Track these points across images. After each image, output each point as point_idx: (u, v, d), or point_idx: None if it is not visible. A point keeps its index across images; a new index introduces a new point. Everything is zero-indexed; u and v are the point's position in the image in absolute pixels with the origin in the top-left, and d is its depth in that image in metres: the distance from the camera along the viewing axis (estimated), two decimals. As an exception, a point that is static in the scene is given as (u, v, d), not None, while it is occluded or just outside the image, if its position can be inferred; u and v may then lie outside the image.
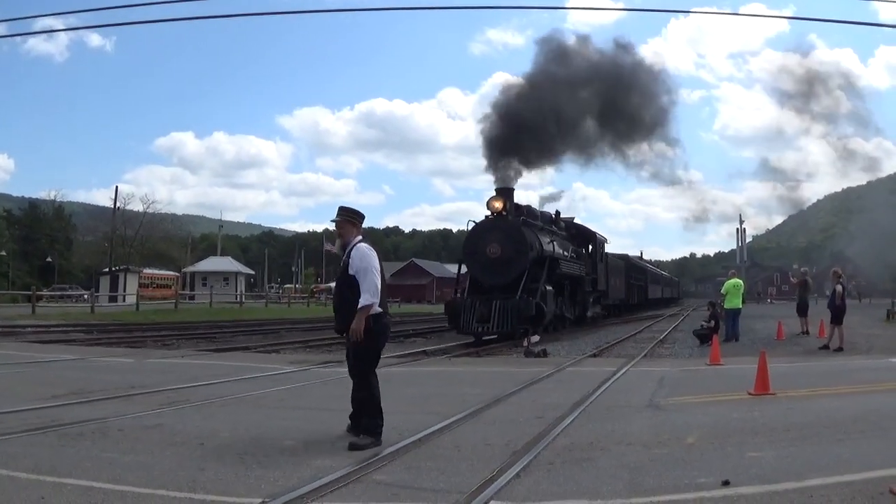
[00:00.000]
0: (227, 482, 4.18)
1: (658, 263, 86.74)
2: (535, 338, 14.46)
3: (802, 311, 17.92)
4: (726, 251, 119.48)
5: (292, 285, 73.90)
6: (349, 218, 5.50)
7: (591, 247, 25.60)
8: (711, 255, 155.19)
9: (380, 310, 5.23)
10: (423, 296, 75.85)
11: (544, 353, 13.15)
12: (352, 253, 5.27)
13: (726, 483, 4.04)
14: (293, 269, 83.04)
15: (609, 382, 8.73)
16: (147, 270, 51.24)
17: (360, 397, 5.25)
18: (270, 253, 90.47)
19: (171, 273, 55.85)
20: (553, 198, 28.85)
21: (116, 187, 71.19)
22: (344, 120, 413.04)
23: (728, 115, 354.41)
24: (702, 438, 5.36)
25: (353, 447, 4.97)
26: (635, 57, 25.00)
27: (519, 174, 21.09)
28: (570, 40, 23.91)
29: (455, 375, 10.13)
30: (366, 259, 5.21)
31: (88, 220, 67.77)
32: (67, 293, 46.60)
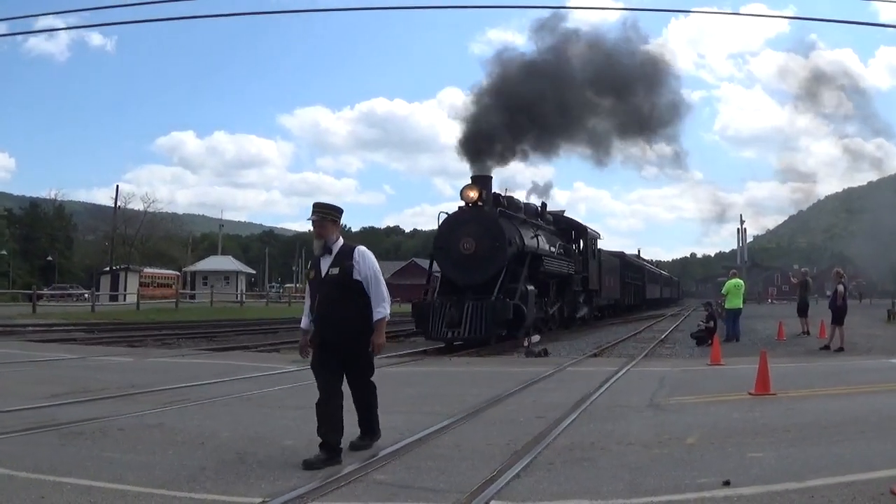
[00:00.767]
0: (227, 481, 4.18)
1: (658, 263, 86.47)
2: (536, 338, 14.41)
3: (803, 311, 17.90)
4: (727, 251, 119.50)
5: (293, 285, 73.88)
6: (330, 215, 4.94)
7: (581, 243, 23.71)
8: (712, 255, 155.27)
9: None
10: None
11: (545, 353, 13.15)
12: (354, 256, 4.82)
13: (727, 483, 4.04)
14: (294, 268, 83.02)
15: (610, 382, 8.72)
16: (148, 270, 51.39)
17: (368, 402, 5.00)
18: (271, 252, 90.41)
19: (172, 272, 55.99)
20: (537, 189, 24.37)
21: (117, 186, 71.32)
22: (344, 119, 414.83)
23: (728, 116, 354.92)
24: (702, 439, 5.35)
25: (354, 447, 4.87)
26: (647, 46, 22.70)
27: (503, 160, 18.81)
28: (573, 38, 21.63)
29: (455, 375, 10.13)
30: (373, 265, 4.87)
31: (89, 219, 67.74)
32: (68, 292, 46.60)
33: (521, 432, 5.58)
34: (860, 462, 4.45)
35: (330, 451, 4.57)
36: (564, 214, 24.13)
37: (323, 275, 4.84)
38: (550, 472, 4.43)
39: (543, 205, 21.16)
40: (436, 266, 17.25)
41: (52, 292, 44.36)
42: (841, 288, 14.20)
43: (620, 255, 35.19)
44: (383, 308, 4.81)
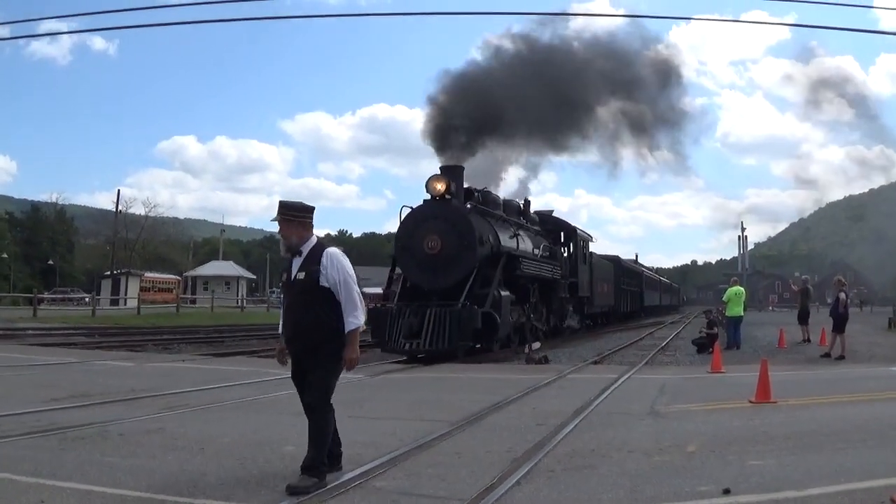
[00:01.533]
0: (227, 487, 4.18)
1: (659, 270, 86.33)
2: (536, 344, 14.39)
3: (803, 318, 17.89)
4: (728, 258, 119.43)
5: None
6: (298, 216, 4.39)
7: (571, 245, 21.66)
8: (713, 262, 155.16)
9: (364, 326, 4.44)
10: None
11: (545, 360, 13.14)
12: (322, 260, 4.29)
13: (727, 491, 4.04)
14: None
15: (610, 389, 8.71)
16: (148, 274, 51.37)
17: (319, 427, 4.27)
18: (272, 257, 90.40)
19: (173, 277, 55.97)
20: (519, 190, 22.36)
21: (118, 191, 71.80)
22: (346, 125, 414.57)
23: (729, 123, 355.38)
24: (703, 446, 5.35)
25: (293, 491, 4.00)
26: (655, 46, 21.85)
27: (478, 148, 16.78)
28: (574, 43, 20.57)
29: (455, 382, 10.10)
30: (343, 269, 4.30)
31: (90, 223, 68.03)
32: (69, 296, 46.66)
33: (522, 439, 5.57)
34: (861, 470, 4.45)
35: (306, 472, 4.16)
36: (553, 214, 22.50)
37: (292, 278, 4.37)
38: (550, 479, 4.43)
39: (527, 201, 19.34)
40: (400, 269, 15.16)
41: (53, 296, 44.48)
42: (843, 296, 14.20)
43: (615, 260, 32.90)
44: (355, 318, 4.26)
